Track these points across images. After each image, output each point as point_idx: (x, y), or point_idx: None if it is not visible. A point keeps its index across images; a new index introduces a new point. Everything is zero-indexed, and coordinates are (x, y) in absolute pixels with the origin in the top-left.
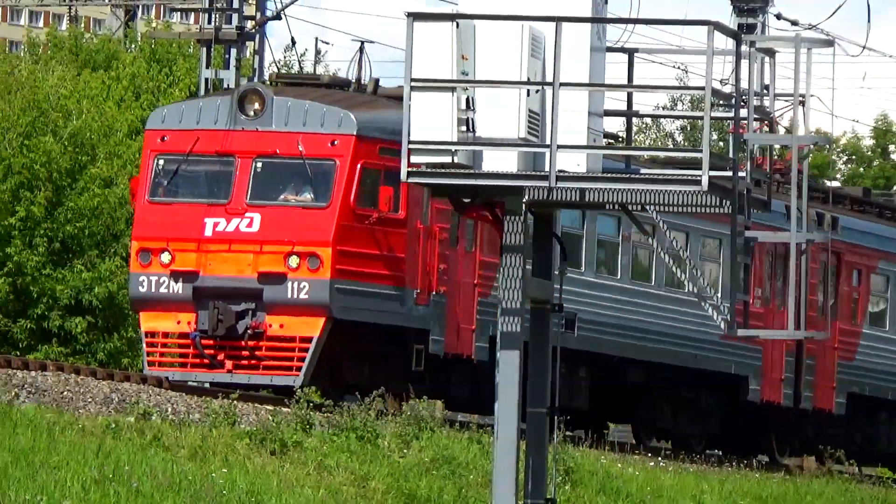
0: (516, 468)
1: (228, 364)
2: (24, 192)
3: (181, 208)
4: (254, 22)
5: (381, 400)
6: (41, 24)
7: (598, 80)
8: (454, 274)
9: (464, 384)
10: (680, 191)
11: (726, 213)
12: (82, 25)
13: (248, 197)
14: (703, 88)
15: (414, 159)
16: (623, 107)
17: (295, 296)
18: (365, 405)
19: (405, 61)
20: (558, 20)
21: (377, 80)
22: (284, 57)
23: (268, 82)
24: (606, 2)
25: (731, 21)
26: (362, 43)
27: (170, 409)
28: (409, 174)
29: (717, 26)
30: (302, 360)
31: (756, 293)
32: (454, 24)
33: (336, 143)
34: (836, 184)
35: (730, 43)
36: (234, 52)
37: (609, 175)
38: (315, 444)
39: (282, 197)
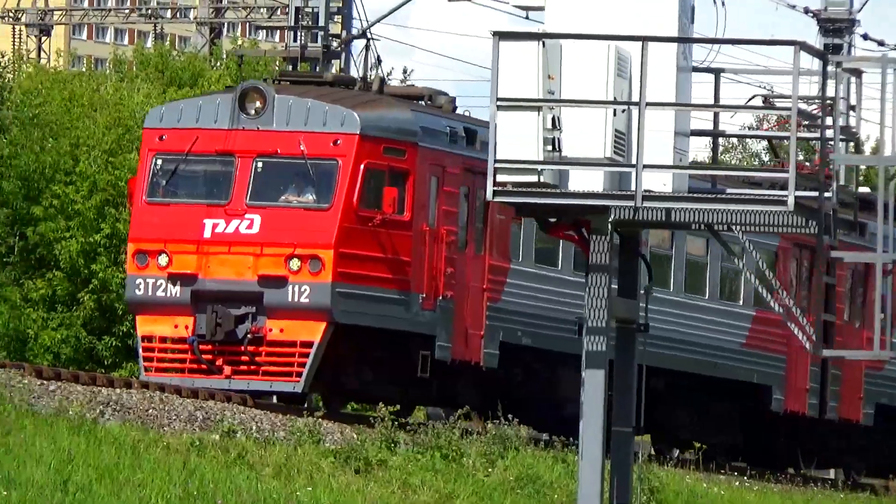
0: (601, 487)
1: (227, 370)
2: (110, 209)
3: (179, 209)
4: (339, 40)
5: (465, 419)
6: (126, 41)
7: (684, 100)
8: (462, 278)
9: (473, 392)
10: (766, 211)
11: (812, 234)
12: (168, 43)
13: (248, 198)
14: (789, 109)
15: (500, 178)
16: (709, 126)
17: (296, 299)
18: (450, 424)
19: (491, 80)
20: (645, 40)
21: (382, 79)
22: (370, 75)
23: (270, 81)
24: (693, 21)
25: (817, 41)
26: (368, 39)
27: (254, 427)
28: (495, 193)
29: (804, 46)
30: (303, 365)
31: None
32: (540, 43)
33: (339, 142)
34: None
35: (816, 63)
36: (319, 69)
37: (695, 195)
38: (399, 463)
39: (283, 198)
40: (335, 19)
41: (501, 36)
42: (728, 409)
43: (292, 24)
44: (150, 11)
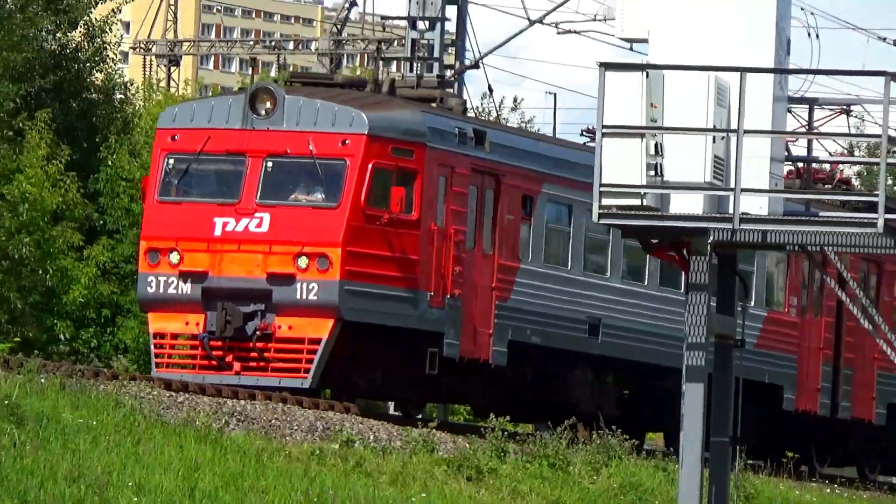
0: (699, 494)
1: (237, 366)
2: None
3: (191, 208)
4: (453, 70)
5: (572, 429)
6: (251, 71)
7: (780, 128)
8: (471, 277)
9: (483, 389)
10: (856, 233)
11: None
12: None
13: (259, 197)
14: (879, 136)
15: (605, 202)
16: (802, 152)
17: (304, 297)
18: (557, 434)
19: (597, 108)
20: (743, 71)
21: (393, 80)
22: (482, 104)
23: (281, 82)
24: (788, 54)
25: None
26: (379, 45)
27: (372, 437)
28: (601, 216)
29: (894, 77)
30: (310, 362)
31: (791, 302)
32: (644, 73)
33: (347, 142)
34: None
35: None
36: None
37: (789, 217)
38: (509, 471)
39: (292, 197)
40: (449, 51)
41: (607, 67)
42: (743, 409)
43: (408, 55)
44: (273, 43)
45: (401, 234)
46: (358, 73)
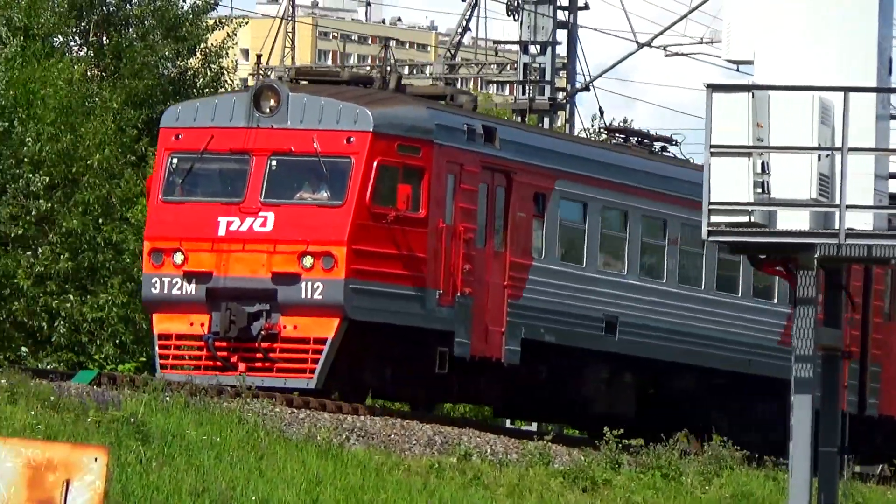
0: (809, 503)
1: (241, 366)
2: None
3: (195, 207)
4: (565, 93)
5: (686, 441)
6: None
7: (883, 145)
8: (482, 275)
9: (495, 389)
10: None
11: None
12: None
13: (263, 196)
14: None
15: (714, 219)
16: None
17: (309, 296)
18: (669, 445)
19: (705, 129)
20: (846, 90)
21: (400, 77)
22: (593, 126)
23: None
24: (891, 73)
25: None
26: (387, 42)
27: (489, 450)
28: (710, 233)
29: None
30: (316, 361)
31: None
32: (750, 94)
33: (352, 140)
34: None
35: None
36: (546, 121)
37: (893, 233)
38: (623, 482)
39: (297, 195)
40: (560, 74)
41: (714, 88)
42: (767, 407)
43: (520, 78)
44: (389, 68)
45: (408, 232)
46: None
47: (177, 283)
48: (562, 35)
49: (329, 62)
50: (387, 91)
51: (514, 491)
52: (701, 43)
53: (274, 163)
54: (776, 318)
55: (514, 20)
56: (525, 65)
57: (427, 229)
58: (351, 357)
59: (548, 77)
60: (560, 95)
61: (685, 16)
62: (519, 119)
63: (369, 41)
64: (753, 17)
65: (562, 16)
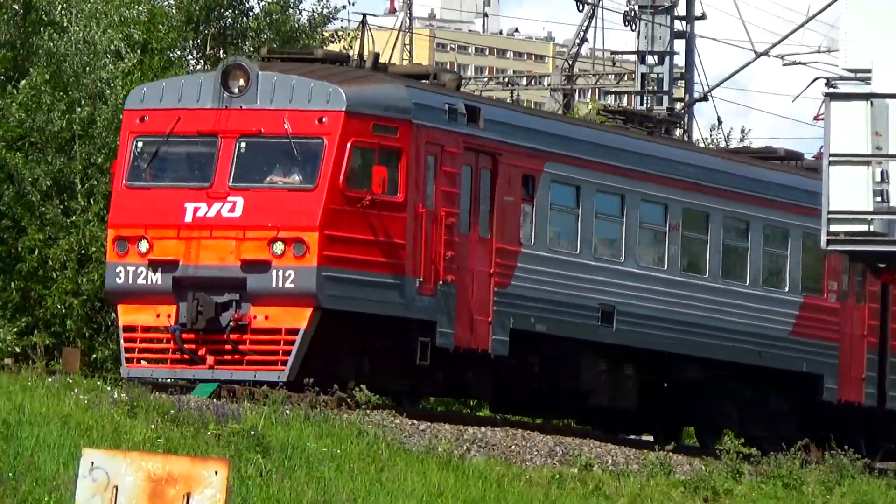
0: None
1: (210, 359)
2: None
3: (160, 193)
4: (682, 103)
5: (804, 451)
6: None
7: None
8: (466, 262)
9: (485, 381)
10: None
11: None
12: None
13: (231, 180)
14: None
15: (833, 228)
16: None
17: (280, 285)
18: (790, 454)
19: (824, 137)
20: None
21: (377, 55)
22: (711, 136)
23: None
24: None
25: None
26: (364, 16)
27: (609, 461)
28: (829, 242)
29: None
30: (288, 353)
31: (830, 287)
32: (869, 102)
33: (324, 120)
34: None
35: None
36: (663, 131)
37: None
38: (744, 492)
39: (267, 179)
40: (678, 84)
41: (833, 97)
42: (779, 399)
43: (638, 89)
44: (507, 79)
45: (385, 216)
46: (589, 108)
47: (142, 272)
48: (679, 45)
49: None
50: (363, 70)
51: (635, 501)
52: (818, 52)
53: (243, 145)
54: (787, 308)
55: (632, 30)
56: (643, 75)
57: (405, 214)
58: (326, 348)
59: (665, 87)
60: (678, 105)
61: (802, 25)
62: None
63: (486, 52)
64: (871, 25)
65: (679, 26)
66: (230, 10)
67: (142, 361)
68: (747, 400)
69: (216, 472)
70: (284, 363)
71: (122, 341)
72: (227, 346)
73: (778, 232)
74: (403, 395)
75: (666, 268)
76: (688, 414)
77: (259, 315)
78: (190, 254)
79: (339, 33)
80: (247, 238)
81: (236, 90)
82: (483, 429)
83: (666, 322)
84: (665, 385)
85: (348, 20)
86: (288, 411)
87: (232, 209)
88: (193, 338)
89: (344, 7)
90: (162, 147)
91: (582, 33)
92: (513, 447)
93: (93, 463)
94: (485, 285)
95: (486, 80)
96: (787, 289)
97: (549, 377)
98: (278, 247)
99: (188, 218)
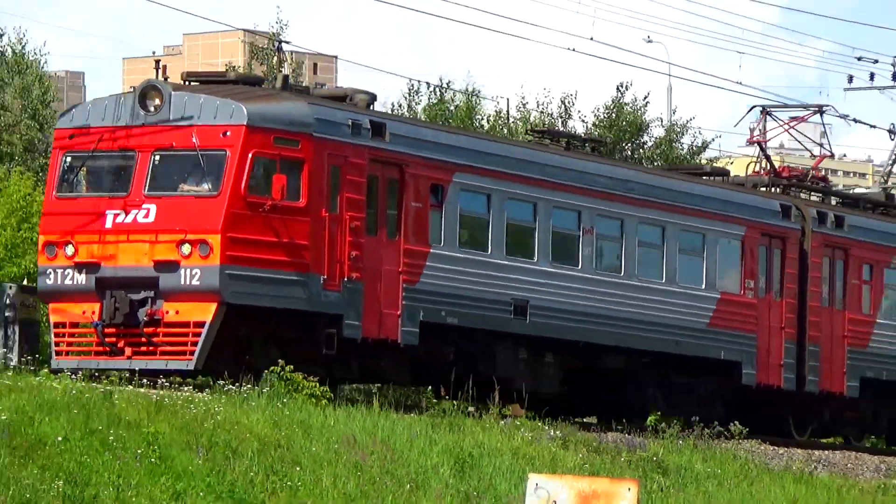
0: None
1: (128, 351)
2: None
3: (85, 202)
4: None
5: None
6: None
7: None
8: (374, 261)
9: (401, 368)
10: None
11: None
12: None
13: (146, 189)
14: None
15: None
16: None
17: (188, 282)
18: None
19: None
20: None
21: (286, 76)
22: None
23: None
24: None
25: None
26: (280, 41)
27: None
28: None
29: None
30: (195, 344)
31: (747, 284)
32: None
33: (227, 133)
34: None
35: None
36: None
37: None
38: None
39: (179, 188)
40: None
41: None
42: (705, 384)
43: None
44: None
45: (287, 220)
46: None
47: (69, 273)
48: None
49: None
50: (270, 90)
51: None
52: None
53: (157, 158)
54: (704, 303)
55: None
56: None
57: (308, 218)
58: (236, 340)
59: None
60: None
61: None
62: None
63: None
64: None
65: None
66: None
67: (69, 354)
68: (674, 385)
69: (629, 489)
70: (192, 353)
71: (52, 336)
72: (143, 339)
73: (695, 236)
74: (320, 383)
75: (580, 266)
76: (616, 398)
77: (171, 310)
78: (110, 256)
79: (713, 161)
80: (158, 241)
81: (152, 108)
82: (826, 452)
83: (582, 315)
84: (590, 371)
85: (719, 150)
86: (681, 442)
87: (146, 215)
88: (114, 332)
89: (713, 139)
90: (87, 161)
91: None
92: (848, 465)
93: (537, 484)
94: (394, 282)
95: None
96: (703, 286)
97: (465, 365)
98: (186, 248)
99: (108, 224)
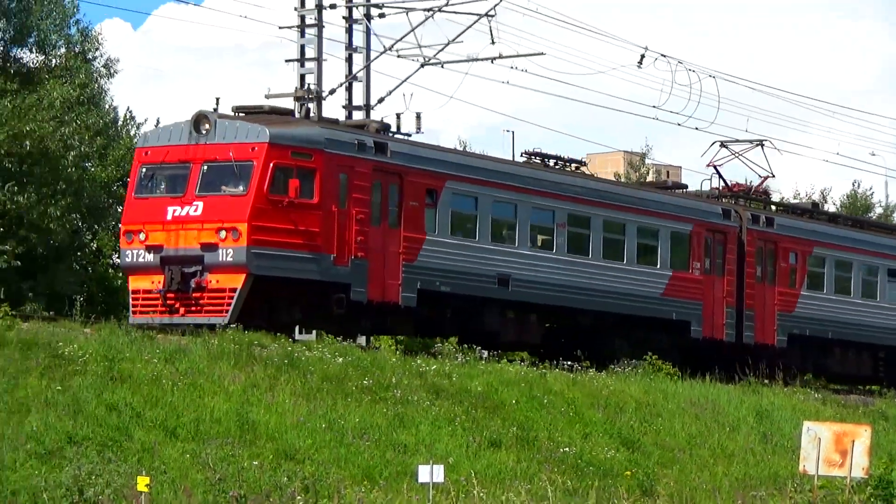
0: None
1: (182, 310)
2: None
3: (154, 201)
4: None
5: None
6: None
7: None
8: (377, 245)
9: (405, 324)
10: None
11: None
12: None
13: (197, 191)
14: None
15: None
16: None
17: (224, 259)
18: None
19: None
20: None
21: (308, 110)
22: None
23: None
24: None
25: None
26: (308, 87)
27: None
28: None
29: None
30: (230, 305)
31: (694, 265)
32: None
33: (255, 149)
34: None
35: None
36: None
37: None
38: None
39: (220, 189)
40: None
41: None
42: (663, 339)
43: None
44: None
45: (302, 213)
46: None
47: (142, 254)
48: None
49: None
50: (292, 118)
51: None
52: None
53: (206, 167)
54: (659, 279)
55: None
56: None
57: (320, 212)
58: (266, 302)
59: None
60: None
61: None
62: None
63: None
64: None
65: None
66: None
67: (141, 313)
68: (636, 339)
69: (865, 430)
70: (227, 311)
71: (130, 300)
72: (192, 301)
73: (650, 230)
74: (337, 335)
75: (554, 251)
76: (588, 349)
77: (213, 280)
78: (170, 240)
79: None
80: (204, 229)
81: (203, 131)
82: None
83: (557, 286)
84: (566, 327)
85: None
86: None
87: (196, 210)
88: (172, 296)
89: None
90: (157, 171)
91: None
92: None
93: (808, 428)
94: (395, 260)
95: None
96: (658, 266)
97: (459, 322)
98: (223, 234)
99: (169, 217)
